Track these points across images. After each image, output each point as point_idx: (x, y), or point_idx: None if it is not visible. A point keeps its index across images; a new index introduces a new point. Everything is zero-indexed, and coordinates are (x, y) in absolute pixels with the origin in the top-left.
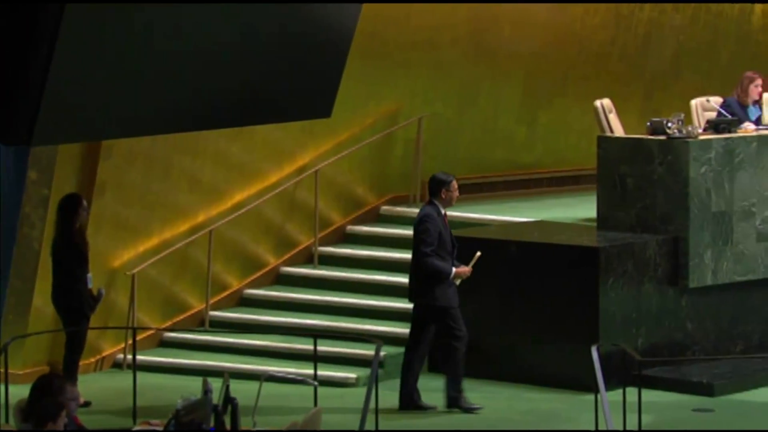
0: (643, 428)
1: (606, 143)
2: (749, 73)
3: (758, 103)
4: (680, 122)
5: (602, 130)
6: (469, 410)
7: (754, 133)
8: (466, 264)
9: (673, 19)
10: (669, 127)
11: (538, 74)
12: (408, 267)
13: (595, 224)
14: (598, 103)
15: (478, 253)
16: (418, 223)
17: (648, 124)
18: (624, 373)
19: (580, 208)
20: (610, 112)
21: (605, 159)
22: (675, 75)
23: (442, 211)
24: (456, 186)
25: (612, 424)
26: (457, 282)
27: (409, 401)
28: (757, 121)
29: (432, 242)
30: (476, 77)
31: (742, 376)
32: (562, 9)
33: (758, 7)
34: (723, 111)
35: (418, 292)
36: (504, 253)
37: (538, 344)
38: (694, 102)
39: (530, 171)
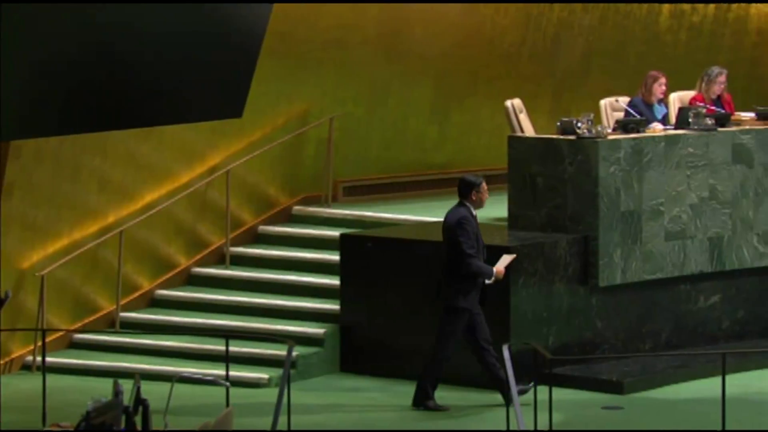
0: (553, 426)
1: (516, 143)
2: (653, 72)
3: (663, 101)
4: (590, 122)
5: (513, 129)
6: (437, 410)
7: (662, 133)
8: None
9: (582, 19)
10: (579, 127)
11: (448, 74)
12: (318, 267)
13: (506, 224)
14: (508, 103)
15: (514, 255)
16: (457, 226)
17: (558, 123)
18: (535, 371)
19: (491, 208)
20: (521, 111)
21: (516, 159)
22: (584, 75)
23: (474, 213)
24: (486, 187)
25: (523, 422)
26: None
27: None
28: (663, 120)
29: (473, 244)
30: (387, 77)
31: (651, 374)
32: (472, 9)
33: (665, 7)
34: (631, 110)
35: (446, 291)
36: (415, 252)
37: None
38: (603, 102)
39: (441, 171)
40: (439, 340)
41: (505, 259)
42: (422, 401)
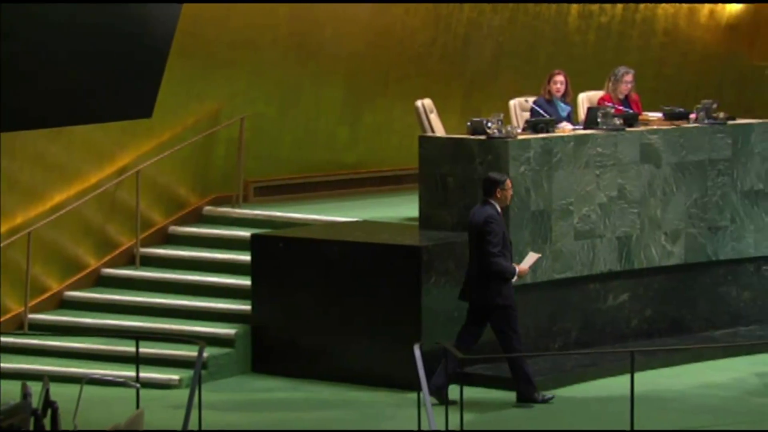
0: (464, 426)
1: (427, 143)
2: (554, 71)
3: (566, 99)
4: (500, 122)
5: (423, 129)
6: (542, 402)
7: (572, 133)
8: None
9: (492, 20)
10: (489, 127)
11: (359, 74)
12: (229, 268)
13: (417, 223)
14: (419, 103)
15: (539, 255)
16: (484, 224)
17: (468, 124)
18: (446, 370)
19: (402, 208)
20: (431, 112)
21: (427, 159)
22: (494, 75)
23: (499, 211)
24: (510, 185)
25: (434, 422)
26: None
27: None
28: (569, 118)
29: (498, 242)
30: (298, 77)
31: (561, 373)
32: (383, 10)
33: (574, 8)
34: (538, 109)
35: (479, 291)
36: (327, 253)
37: (361, 343)
38: (512, 102)
39: (353, 171)
40: (503, 343)
41: (531, 258)
42: (528, 399)
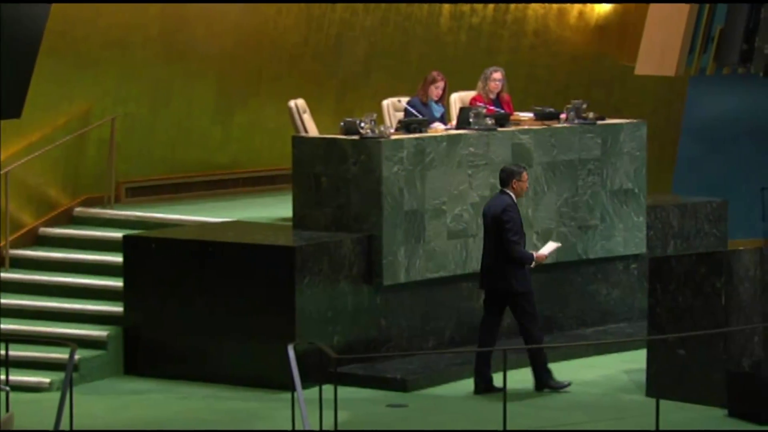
0: (339, 426)
1: (300, 143)
2: (433, 74)
3: (440, 101)
4: (372, 122)
5: (297, 130)
6: (559, 388)
7: (444, 133)
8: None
9: (364, 20)
10: (362, 127)
11: (231, 74)
12: (100, 269)
13: (291, 224)
14: (292, 103)
15: (559, 244)
16: (502, 213)
17: (341, 124)
18: (320, 370)
19: (276, 208)
20: (304, 112)
21: (300, 159)
22: (367, 75)
23: (515, 200)
24: (526, 177)
25: (308, 422)
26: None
27: (490, 386)
28: (442, 119)
29: (517, 231)
30: (169, 77)
31: (435, 371)
32: (254, 9)
33: (445, 9)
34: (411, 110)
35: (498, 277)
36: (201, 253)
37: (235, 344)
38: (385, 102)
39: (226, 171)
40: (524, 330)
41: (550, 246)
42: (544, 385)
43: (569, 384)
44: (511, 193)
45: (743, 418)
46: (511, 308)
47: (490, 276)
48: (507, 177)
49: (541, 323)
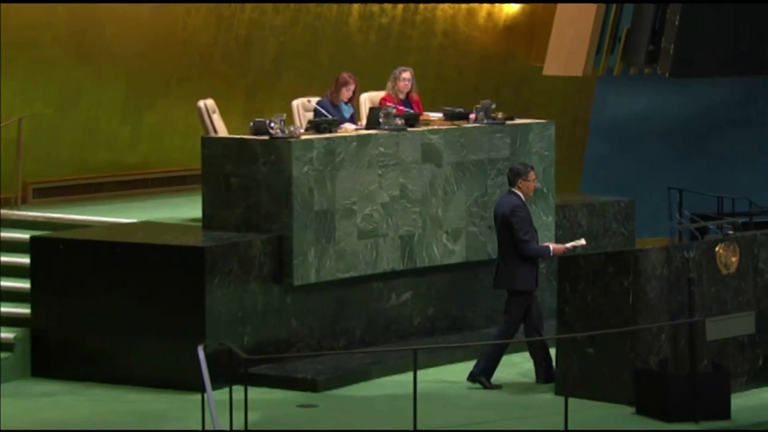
0: (249, 426)
1: (210, 143)
2: (344, 75)
3: (350, 101)
4: (282, 122)
5: (206, 130)
6: (490, 388)
7: (354, 133)
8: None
9: (274, 20)
10: (272, 128)
11: (141, 75)
12: (7, 270)
13: (200, 224)
14: (201, 103)
15: (583, 242)
16: (511, 214)
17: (251, 124)
18: (230, 371)
19: (186, 209)
20: (214, 112)
21: (210, 159)
22: (276, 76)
23: (524, 199)
24: (534, 177)
25: (218, 423)
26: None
27: (549, 375)
28: (352, 119)
29: (527, 230)
30: (78, 77)
31: (345, 371)
32: (164, 9)
33: (355, 9)
34: (321, 110)
35: (504, 276)
36: (109, 254)
37: (144, 345)
38: (295, 102)
39: (136, 172)
40: (501, 327)
41: (576, 242)
42: (477, 380)
43: (500, 387)
44: (519, 193)
45: (651, 415)
46: (506, 301)
47: (499, 275)
48: (513, 177)
49: (537, 324)
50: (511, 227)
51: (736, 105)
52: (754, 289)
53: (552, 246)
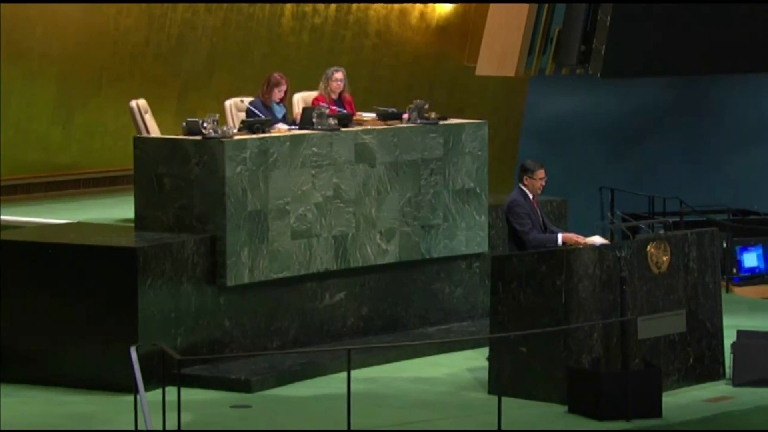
0: (182, 427)
1: (142, 144)
2: (275, 76)
3: (282, 102)
4: (215, 122)
5: (138, 130)
6: None
7: (288, 133)
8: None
9: (206, 20)
10: (204, 128)
11: (72, 75)
12: None
13: (133, 225)
14: (133, 103)
15: (605, 241)
16: (507, 211)
17: (183, 124)
18: (163, 372)
19: (117, 209)
20: (146, 112)
21: (142, 159)
22: (209, 76)
23: (530, 196)
24: (541, 175)
25: (151, 424)
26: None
27: None
28: (284, 119)
29: (526, 222)
30: (9, 77)
31: (279, 372)
32: (95, 9)
33: (287, 9)
34: (254, 110)
35: None
36: (40, 255)
37: (76, 347)
38: (228, 102)
39: (67, 172)
40: None
41: (596, 239)
42: None
43: None
44: (525, 189)
45: (583, 414)
46: None
47: None
48: (520, 173)
49: None
50: (509, 223)
51: (667, 105)
52: (684, 288)
53: (562, 235)
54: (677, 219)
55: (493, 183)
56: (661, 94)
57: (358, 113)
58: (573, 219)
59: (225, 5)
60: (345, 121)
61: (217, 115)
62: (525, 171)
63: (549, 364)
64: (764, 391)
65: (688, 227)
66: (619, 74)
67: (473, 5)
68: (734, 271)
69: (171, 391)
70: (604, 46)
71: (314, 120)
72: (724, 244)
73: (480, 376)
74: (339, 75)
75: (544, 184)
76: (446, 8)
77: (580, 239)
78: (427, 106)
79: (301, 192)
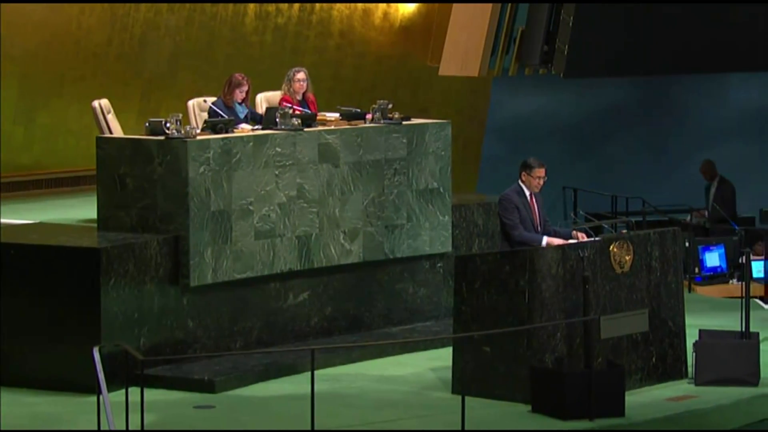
0: (146, 427)
1: (105, 144)
2: (237, 77)
3: (244, 102)
4: (178, 122)
5: (101, 130)
6: None
7: (251, 133)
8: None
9: (169, 20)
10: (167, 128)
11: (34, 74)
12: None
13: (96, 225)
14: (96, 103)
15: (583, 236)
16: (498, 205)
17: (146, 124)
18: (126, 373)
19: (80, 209)
20: (109, 112)
21: (105, 159)
22: (172, 76)
23: (527, 192)
24: (540, 174)
25: (114, 424)
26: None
27: None
28: (246, 119)
29: (511, 217)
30: None
31: (242, 372)
32: (57, 9)
33: (251, 9)
34: (217, 110)
35: None
36: (2, 256)
37: (39, 347)
38: (191, 102)
39: (29, 172)
40: None
41: (576, 234)
42: None
43: None
44: (523, 185)
45: (546, 413)
46: None
47: None
48: (520, 168)
49: None
50: (499, 216)
51: (630, 105)
52: (647, 288)
53: (547, 239)
54: (640, 218)
55: (457, 183)
56: (624, 94)
57: (322, 113)
58: None
59: (188, 5)
60: (308, 121)
61: (180, 115)
62: (524, 167)
63: (512, 364)
64: (726, 390)
65: (651, 227)
66: (581, 74)
67: (436, 5)
68: (696, 270)
69: (134, 392)
70: (566, 46)
71: (277, 120)
72: (687, 244)
73: (443, 376)
74: (301, 75)
75: (542, 183)
76: (409, 8)
77: (555, 240)
78: (390, 106)
79: (265, 192)
